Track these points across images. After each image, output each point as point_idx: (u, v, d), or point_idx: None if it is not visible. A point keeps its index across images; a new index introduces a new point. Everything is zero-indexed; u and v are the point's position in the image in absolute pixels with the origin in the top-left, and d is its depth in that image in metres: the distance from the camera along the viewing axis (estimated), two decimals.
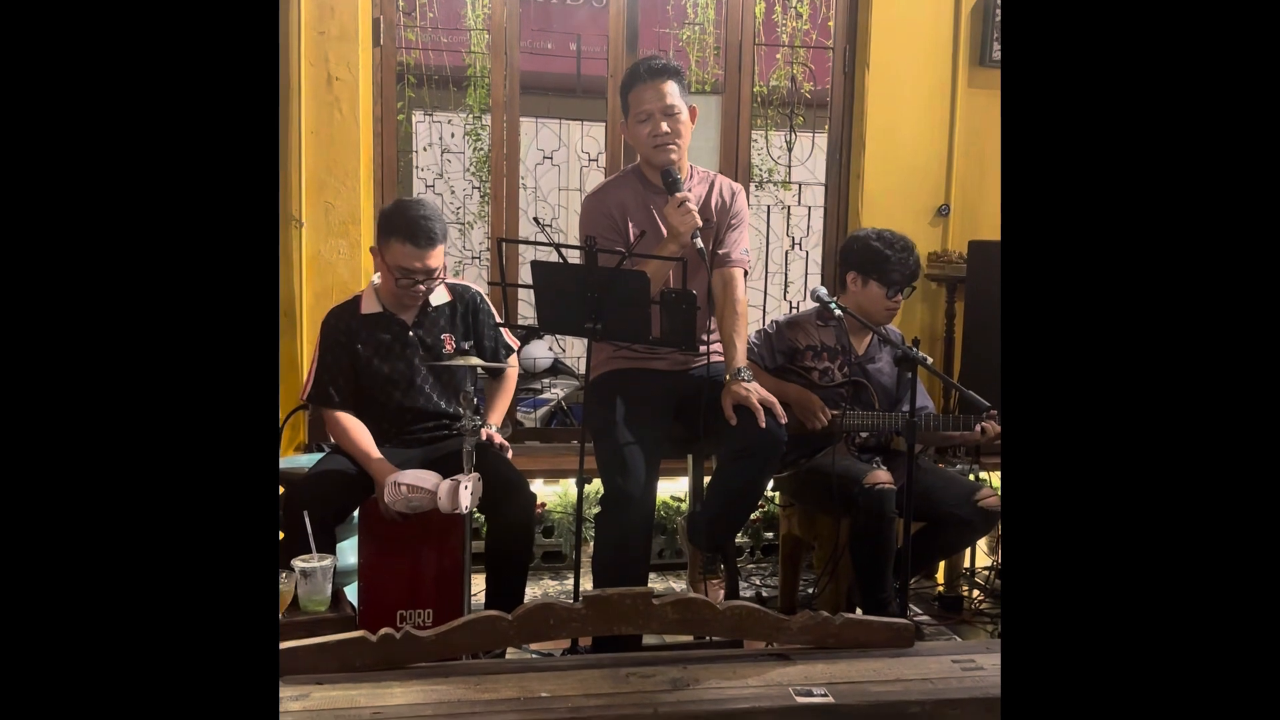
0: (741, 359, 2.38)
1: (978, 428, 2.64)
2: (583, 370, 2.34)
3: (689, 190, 2.41)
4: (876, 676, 1.65)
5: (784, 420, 2.32)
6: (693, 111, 2.44)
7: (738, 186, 2.59)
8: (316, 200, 3.21)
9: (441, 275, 2.51)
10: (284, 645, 1.55)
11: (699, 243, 2.31)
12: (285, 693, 1.48)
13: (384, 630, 1.61)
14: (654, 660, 1.69)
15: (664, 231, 2.37)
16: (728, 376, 2.34)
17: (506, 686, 1.56)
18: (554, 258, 2.19)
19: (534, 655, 2.38)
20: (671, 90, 2.39)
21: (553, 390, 4.73)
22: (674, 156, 2.40)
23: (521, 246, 3.56)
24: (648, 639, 2.34)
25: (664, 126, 2.38)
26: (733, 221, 2.52)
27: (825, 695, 1.57)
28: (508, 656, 2.27)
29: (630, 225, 2.43)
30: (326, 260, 3.24)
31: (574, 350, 4.63)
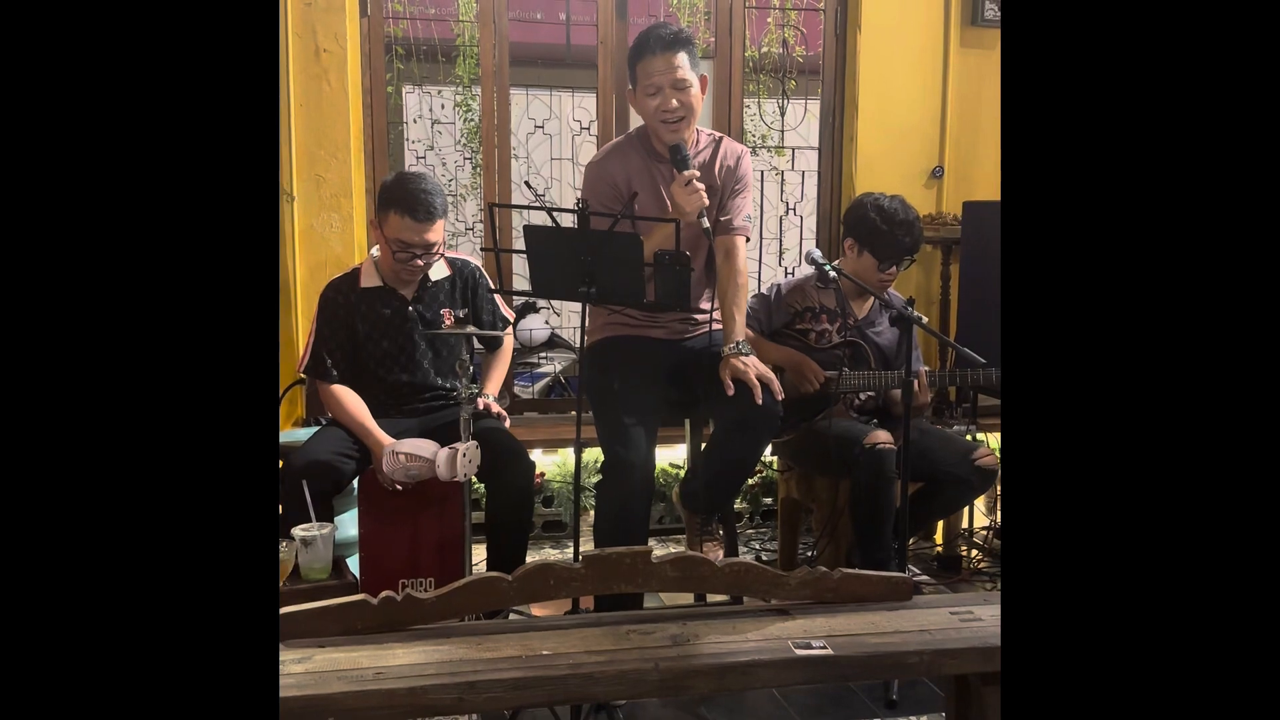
0: (740, 332, 2.36)
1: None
2: (579, 344, 2.33)
3: (695, 158, 2.36)
4: (875, 629, 1.66)
5: (780, 397, 2.31)
6: (703, 81, 2.36)
7: (743, 150, 2.53)
8: (307, 173, 3.19)
9: (440, 250, 2.50)
10: (284, 610, 1.56)
11: (705, 222, 2.27)
12: (287, 655, 1.49)
13: (385, 593, 1.62)
14: (655, 618, 1.70)
15: (669, 206, 2.33)
16: (726, 349, 2.32)
17: (508, 645, 1.57)
18: (548, 222, 2.18)
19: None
20: (683, 62, 2.30)
21: (550, 363, 4.74)
22: (682, 133, 2.34)
23: (515, 213, 3.55)
24: (648, 602, 2.35)
25: (674, 102, 2.30)
26: (737, 187, 2.47)
27: (824, 648, 1.58)
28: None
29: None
30: (319, 234, 3.22)
31: (570, 323, 4.63)
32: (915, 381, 2.55)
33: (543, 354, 4.80)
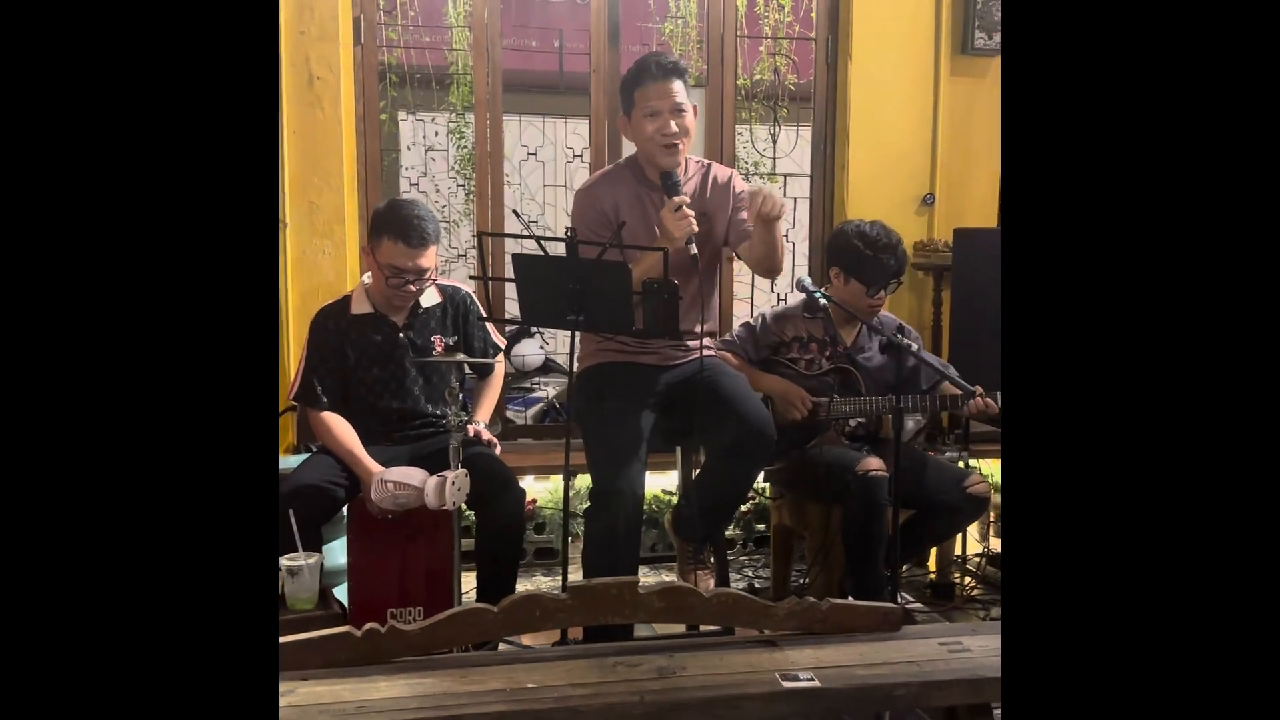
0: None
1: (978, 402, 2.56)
2: (570, 369, 2.33)
3: (684, 184, 2.39)
4: (863, 660, 1.65)
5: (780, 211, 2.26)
6: (693, 110, 2.42)
7: (731, 170, 2.58)
8: (300, 200, 3.20)
9: (433, 276, 2.51)
10: None
11: (693, 248, 2.29)
12: None
13: (369, 625, 1.61)
14: (641, 649, 1.69)
15: (657, 233, 2.35)
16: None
17: (493, 678, 1.56)
18: (536, 250, 2.19)
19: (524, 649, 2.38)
20: (679, 89, 2.38)
21: (544, 388, 4.73)
22: (679, 158, 2.39)
23: (508, 240, 3.56)
24: (639, 632, 2.34)
25: (673, 126, 2.35)
26: (738, 204, 2.50)
27: (811, 680, 1.57)
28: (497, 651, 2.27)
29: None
30: (312, 260, 3.23)
31: (563, 348, 4.64)
32: (979, 400, 2.52)
33: (536, 379, 4.79)
